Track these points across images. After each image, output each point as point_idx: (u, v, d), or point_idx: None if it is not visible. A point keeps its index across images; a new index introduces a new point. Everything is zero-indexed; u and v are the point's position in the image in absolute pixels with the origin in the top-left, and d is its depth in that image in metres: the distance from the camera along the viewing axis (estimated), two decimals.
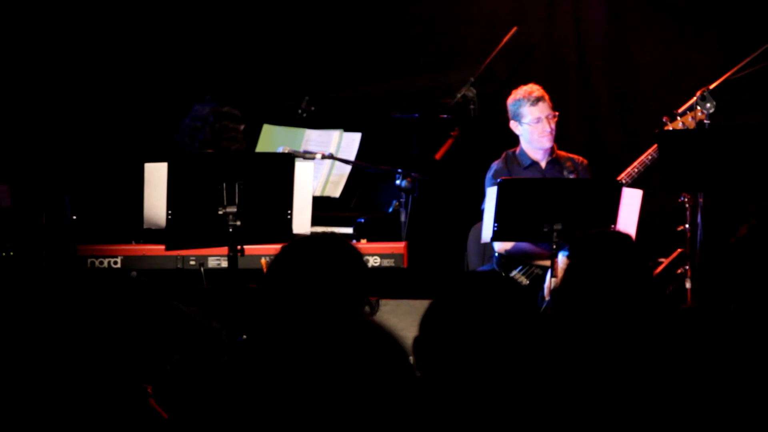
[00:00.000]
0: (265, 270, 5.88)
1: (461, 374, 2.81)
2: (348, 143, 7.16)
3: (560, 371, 3.24)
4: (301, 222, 5.97)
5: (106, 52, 8.13)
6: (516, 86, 7.36)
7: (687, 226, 6.97)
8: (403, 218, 6.95)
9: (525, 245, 7.08)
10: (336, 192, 7.11)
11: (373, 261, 6.47)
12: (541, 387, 2.87)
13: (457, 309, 2.89)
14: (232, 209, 5.74)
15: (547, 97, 7.25)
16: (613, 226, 6.39)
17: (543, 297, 6.89)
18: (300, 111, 7.62)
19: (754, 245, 3.80)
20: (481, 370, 2.82)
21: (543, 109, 7.22)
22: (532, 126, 7.24)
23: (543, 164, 7.33)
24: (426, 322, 2.90)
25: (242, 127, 7.25)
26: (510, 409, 2.80)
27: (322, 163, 7.03)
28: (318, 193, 7.00)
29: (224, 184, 5.75)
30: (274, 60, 8.36)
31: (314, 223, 6.14)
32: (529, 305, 2.95)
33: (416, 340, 2.90)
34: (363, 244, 6.58)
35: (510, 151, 7.38)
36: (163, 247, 5.96)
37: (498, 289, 2.92)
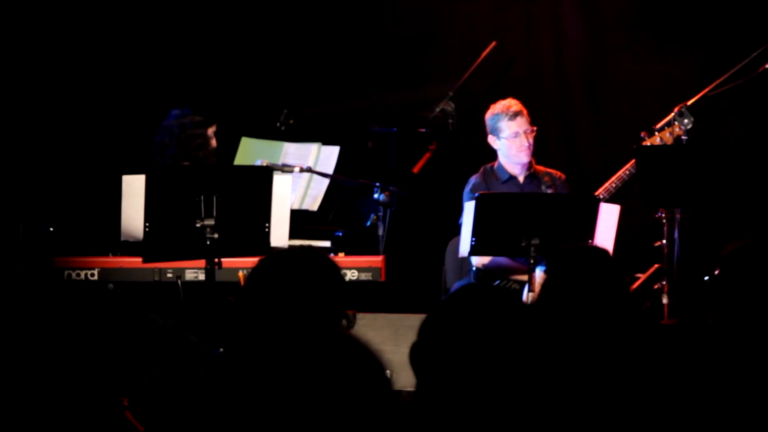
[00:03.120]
0: (242, 283, 5.87)
1: (458, 382, 2.79)
2: (326, 157, 7.16)
3: (538, 385, 3.25)
4: (279, 235, 5.97)
5: (85, 65, 8.11)
6: (494, 101, 7.36)
7: (664, 241, 6.99)
8: (380, 232, 6.95)
9: (502, 260, 7.08)
10: (314, 205, 7.11)
11: (350, 274, 6.47)
12: (529, 398, 2.86)
13: (458, 318, 2.87)
14: (210, 222, 5.73)
15: (525, 111, 7.25)
16: (590, 241, 6.40)
17: None
18: (278, 124, 7.62)
19: (745, 264, 3.79)
20: (478, 378, 2.80)
21: (521, 124, 7.22)
22: (510, 140, 7.23)
23: (521, 179, 7.33)
24: (425, 329, 2.88)
25: (211, 130, 7.24)
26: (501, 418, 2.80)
27: (300, 176, 7.03)
28: (296, 207, 6.99)
29: (202, 197, 5.75)
30: (253, 73, 8.36)
31: (292, 236, 6.14)
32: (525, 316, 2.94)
33: (414, 346, 2.87)
34: (341, 258, 6.58)
35: (488, 166, 7.38)
36: (140, 259, 5.95)
37: (499, 300, 2.90)
